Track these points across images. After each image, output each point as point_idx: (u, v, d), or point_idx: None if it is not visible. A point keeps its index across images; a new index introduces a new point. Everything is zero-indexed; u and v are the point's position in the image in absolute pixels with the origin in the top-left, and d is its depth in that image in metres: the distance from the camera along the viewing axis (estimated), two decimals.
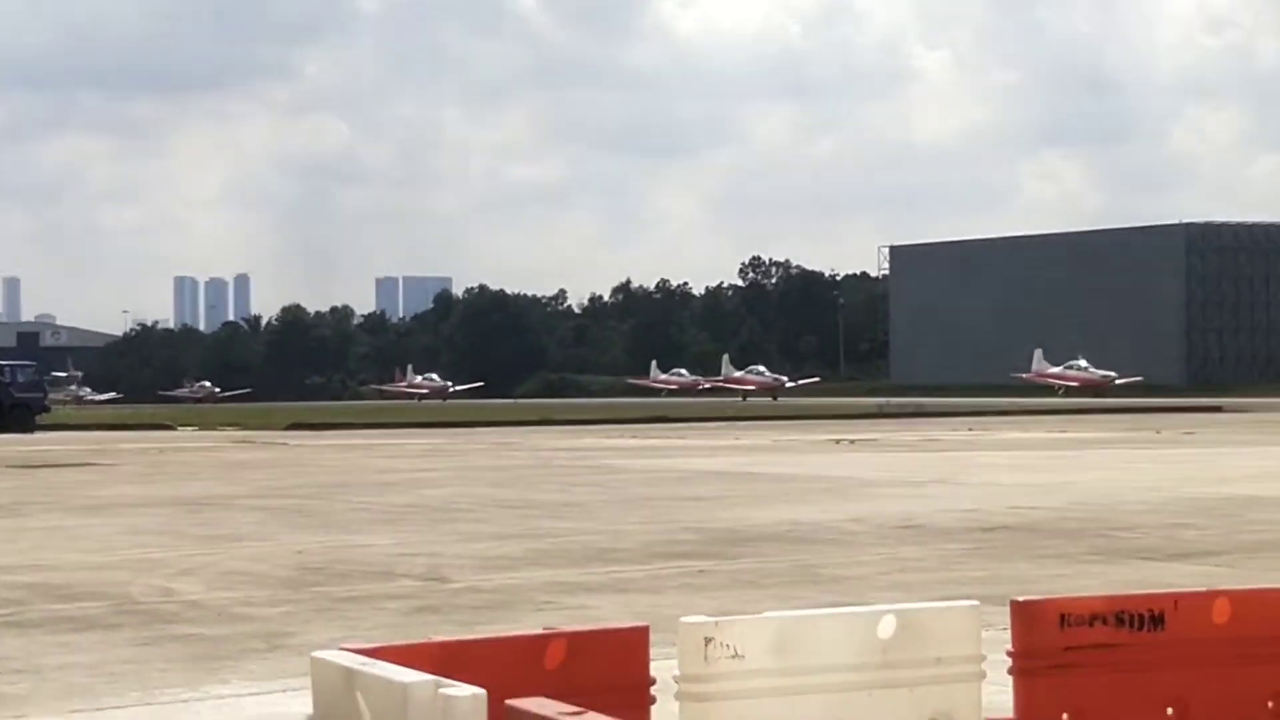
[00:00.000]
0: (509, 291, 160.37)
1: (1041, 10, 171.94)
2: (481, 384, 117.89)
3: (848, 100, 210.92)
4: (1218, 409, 64.27)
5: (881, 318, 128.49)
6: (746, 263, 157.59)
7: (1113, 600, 4.98)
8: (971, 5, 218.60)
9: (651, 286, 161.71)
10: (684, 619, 4.71)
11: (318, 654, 4.42)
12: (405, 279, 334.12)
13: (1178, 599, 4.99)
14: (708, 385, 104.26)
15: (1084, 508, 19.81)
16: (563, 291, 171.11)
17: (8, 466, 31.58)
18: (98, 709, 7.97)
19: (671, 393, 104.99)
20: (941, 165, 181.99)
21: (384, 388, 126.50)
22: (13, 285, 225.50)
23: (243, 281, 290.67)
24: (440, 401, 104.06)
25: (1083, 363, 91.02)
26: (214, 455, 37.86)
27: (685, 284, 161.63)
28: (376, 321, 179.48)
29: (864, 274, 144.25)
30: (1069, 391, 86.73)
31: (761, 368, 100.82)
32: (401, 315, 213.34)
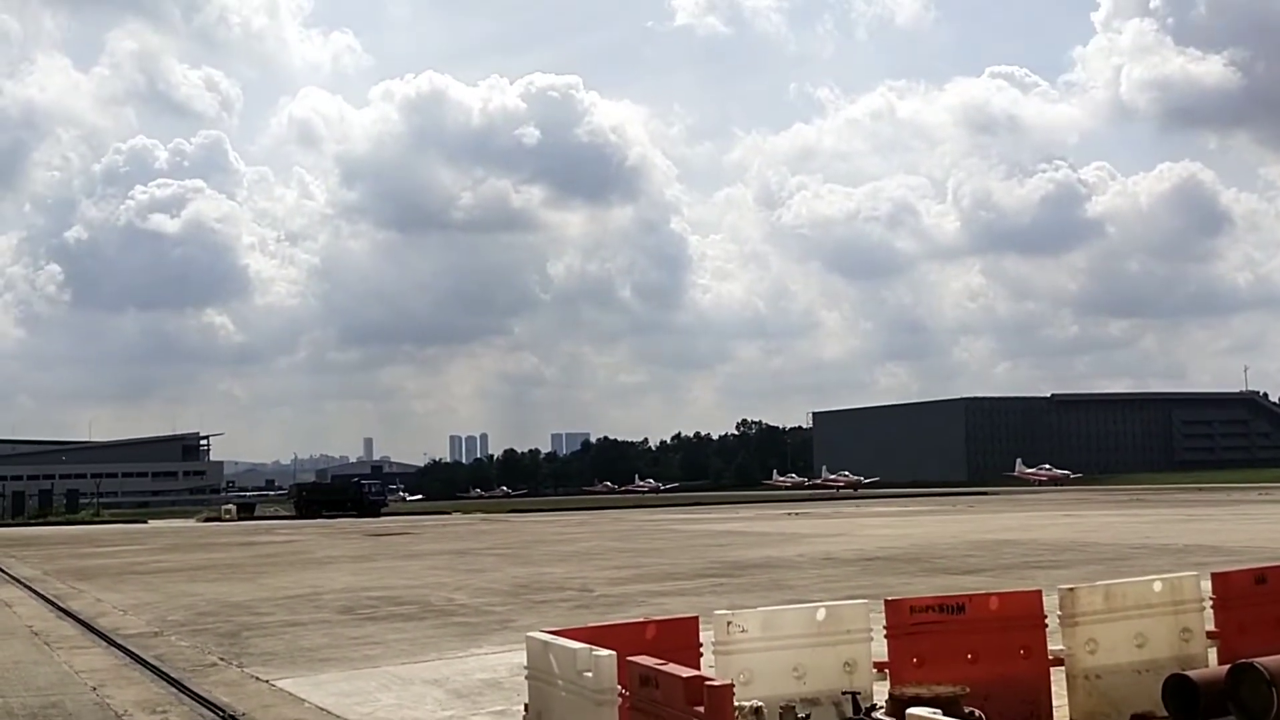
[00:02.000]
0: None
1: (884, 291, 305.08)
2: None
3: (789, 339, 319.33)
4: (985, 493, 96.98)
5: (809, 449, 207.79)
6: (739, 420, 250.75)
7: (936, 598, 8.95)
8: (847, 289, 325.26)
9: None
10: (716, 611, 8.57)
11: (529, 634, 8.11)
12: None
13: (970, 597, 8.98)
14: (808, 482, 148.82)
15: (916, 548, 29.15)
16: None
17: (366, 535, 50.35)
18: (416, 661, 13.49)
19: (789, 489, 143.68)
20: (838, 370, 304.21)
21: None
22: (368, 442, 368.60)
23: None
24: None
25: (1048, 465, 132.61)
26: (469, 527, 57.16)
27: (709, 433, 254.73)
28: None
29: (800, 427, 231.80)
30: (1041, 483, 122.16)
31: (846, 471, 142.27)
32: None
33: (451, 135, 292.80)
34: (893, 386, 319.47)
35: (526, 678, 7.72)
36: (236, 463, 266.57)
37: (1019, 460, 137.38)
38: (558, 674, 7.27)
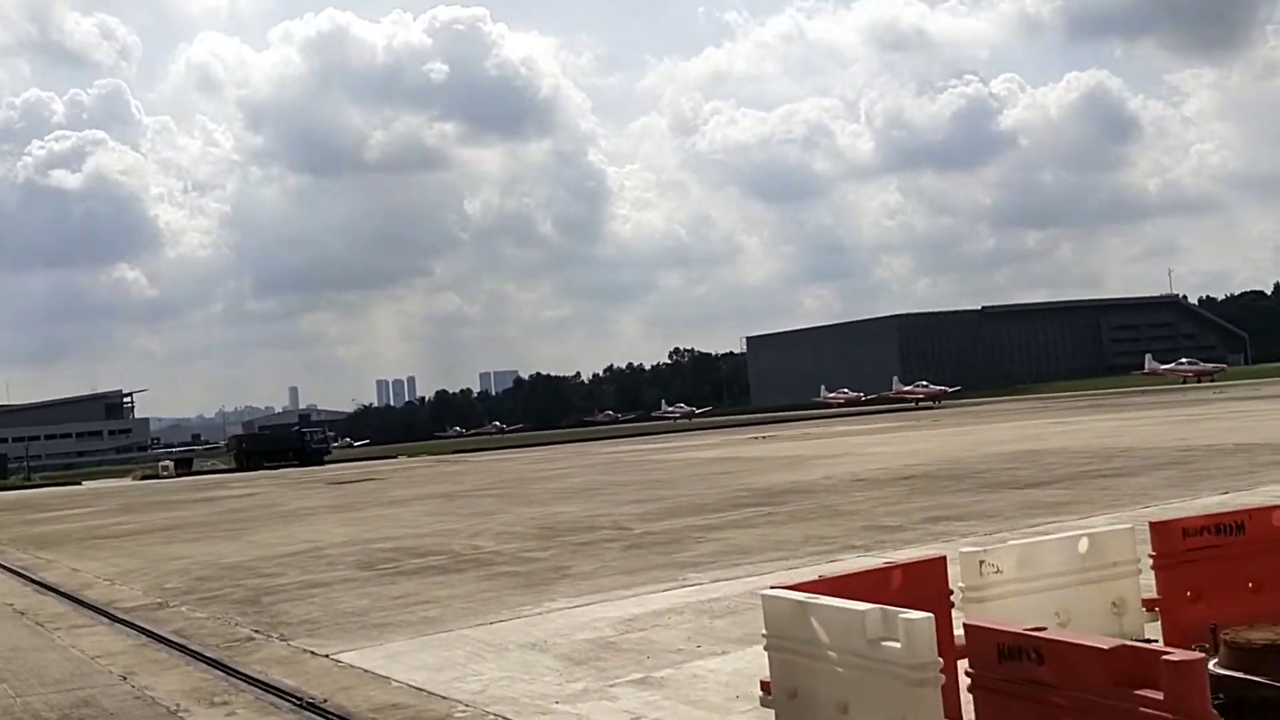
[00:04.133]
0: None
1: (803, 214, 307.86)
2: None
3: (713, 266, 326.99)
4: (931, 407, 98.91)
5: (744, 374, 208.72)
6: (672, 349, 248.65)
7: (1210, 517, 7.34)
8: (766, 213, 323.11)
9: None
10: (962, 549, 6.93)
11: (764, 593, 6.28)
12: None
13: (1251, 513, 7.37)
14: (864, 397, 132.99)
15: (944, 464, 26.74)
16: None
17: (327, 484, 44.95)
18: (490, 621, 11.43)
19: (841, 405, 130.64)
20: (763, 295, 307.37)
21: None
22: (293, 391, 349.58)
23: None
24: None
25: (924, 381, 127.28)
26: (434, 470, 52.31)
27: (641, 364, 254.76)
28: None
29: (732, 353, 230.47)
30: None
31: (925, 381, 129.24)
32: None
33: (357, 74, 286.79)
34: (817, 308, 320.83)
35: (767, 648, 6.03)
36: (160, 419, 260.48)
37: (1149, 356, 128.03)
38: (827, 643, 5.57)
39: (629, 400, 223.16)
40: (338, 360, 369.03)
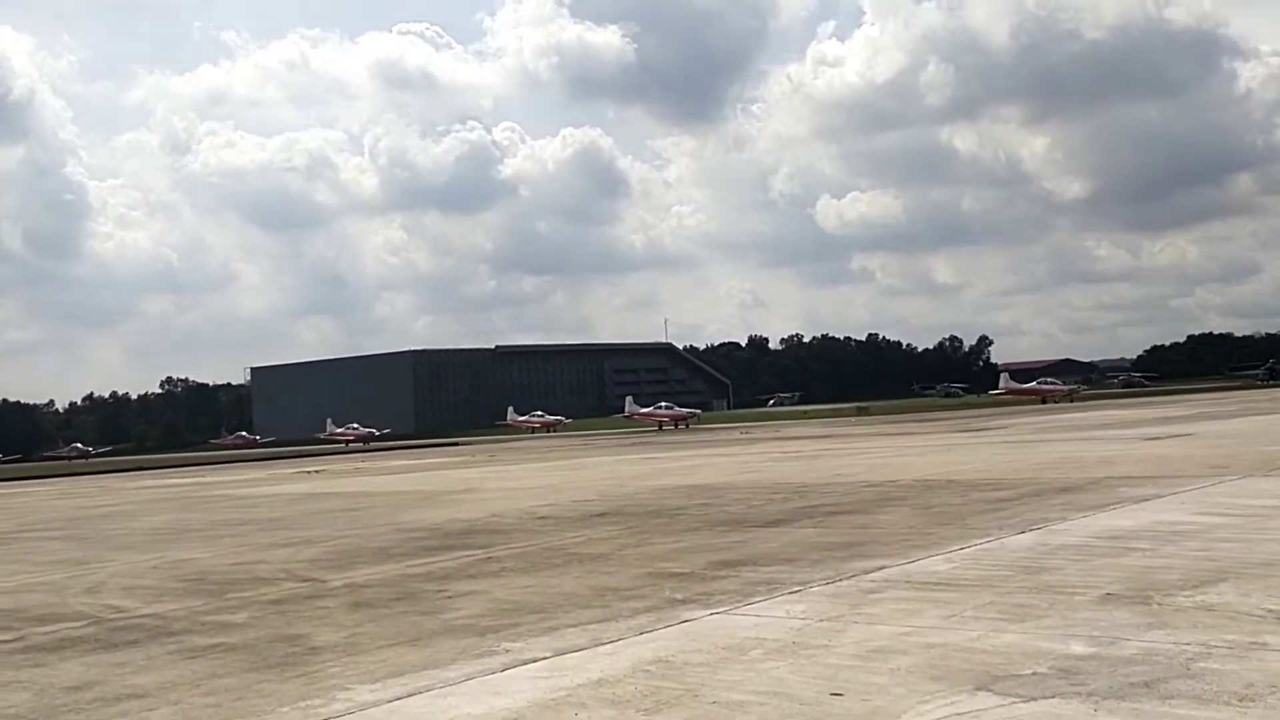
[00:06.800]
0: None
1: (303, 245, 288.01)
2: None
3: (205, 292, 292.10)
4: (456, 443, 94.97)
5: (246, 406, 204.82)
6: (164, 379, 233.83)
7: None
8: (265, 241, 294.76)
9: None
10: None
11: None
12: None
13: None
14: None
15: (617, 500, 23.25)
16: None
17: None
18: None
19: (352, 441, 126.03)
20: (259, 325, 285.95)
21: None
22: None
23: None
24: None
25: (356, 424, 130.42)
26: None
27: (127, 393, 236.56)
28: None
29: (230, 384, 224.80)
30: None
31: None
32: None
33: None
34: (315, 341, 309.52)
35: None
36: None
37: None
38: None
39: (112, 432, 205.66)
40: None
